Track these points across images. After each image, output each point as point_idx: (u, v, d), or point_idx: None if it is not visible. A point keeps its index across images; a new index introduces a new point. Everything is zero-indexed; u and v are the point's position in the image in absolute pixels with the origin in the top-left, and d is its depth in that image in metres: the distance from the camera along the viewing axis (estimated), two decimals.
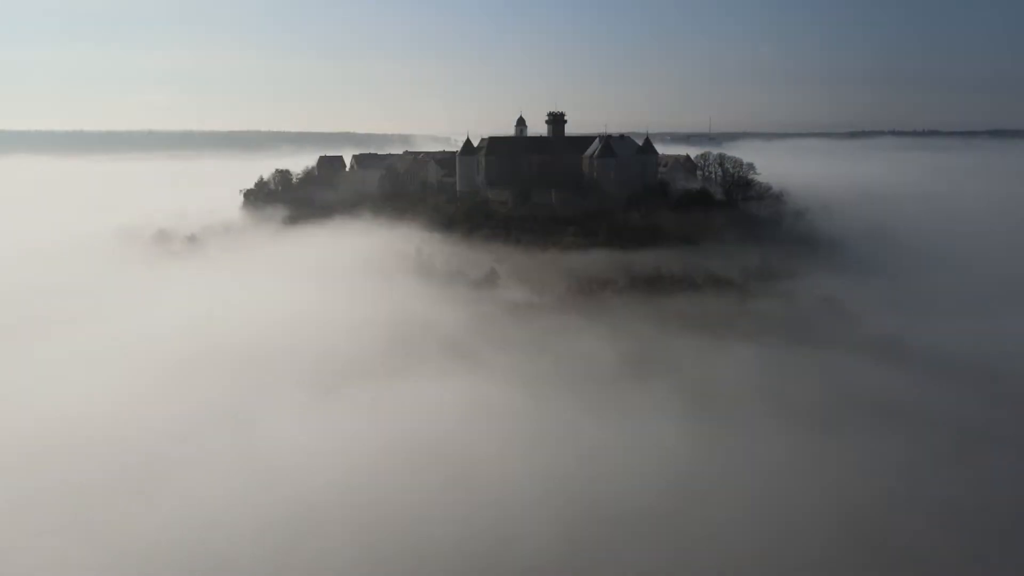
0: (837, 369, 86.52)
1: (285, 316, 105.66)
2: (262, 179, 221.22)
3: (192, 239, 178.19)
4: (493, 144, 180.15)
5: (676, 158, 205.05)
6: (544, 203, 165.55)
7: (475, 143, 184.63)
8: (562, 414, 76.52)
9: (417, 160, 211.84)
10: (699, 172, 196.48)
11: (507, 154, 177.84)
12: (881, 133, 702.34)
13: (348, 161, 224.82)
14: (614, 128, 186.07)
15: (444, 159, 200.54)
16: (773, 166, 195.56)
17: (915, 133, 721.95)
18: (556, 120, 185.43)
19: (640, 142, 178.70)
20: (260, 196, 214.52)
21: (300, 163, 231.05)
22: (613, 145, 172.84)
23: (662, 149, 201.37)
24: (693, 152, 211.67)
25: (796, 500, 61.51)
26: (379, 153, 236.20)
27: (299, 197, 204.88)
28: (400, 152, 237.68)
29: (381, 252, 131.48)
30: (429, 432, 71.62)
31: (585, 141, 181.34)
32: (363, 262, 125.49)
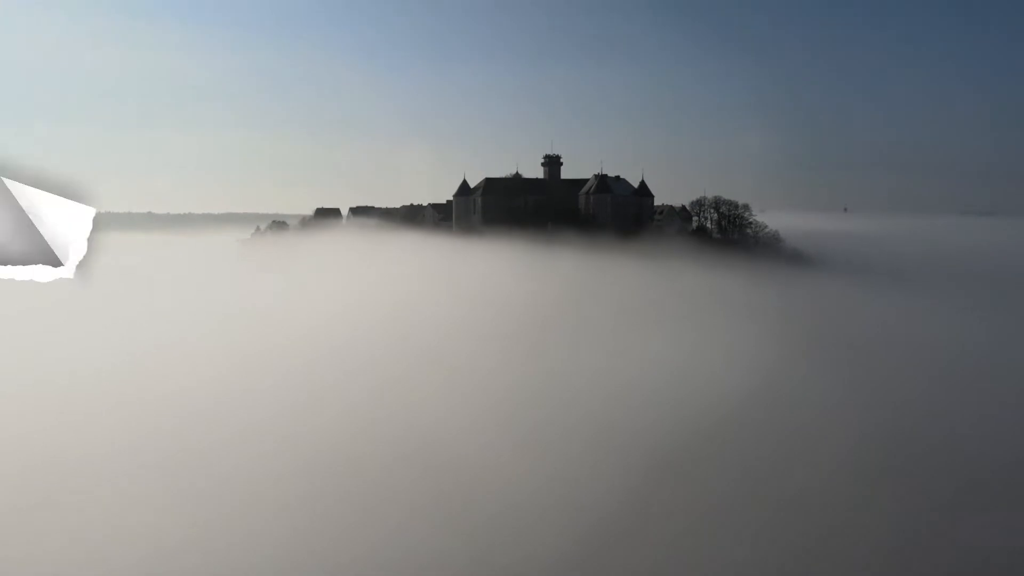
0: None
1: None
2: (258, 228, 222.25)
3: (185, 277, 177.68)
4: (490, 184, 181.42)
5: (671, 206, 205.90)
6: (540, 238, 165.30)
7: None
8: None
9: (413, 207, 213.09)
10: (695, 219, 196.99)
11: (504, 194, 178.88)
12: (874, 209, 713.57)
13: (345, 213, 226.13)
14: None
15: (440, 205, 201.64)
16: (769, 222, 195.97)
17: (909, 210, 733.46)
18: (552, 162, 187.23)
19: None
20: (256, 244, 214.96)
21: None
22: (609, 183, 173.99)
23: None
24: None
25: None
26: (376, 206, 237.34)
27: (294, 244, 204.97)
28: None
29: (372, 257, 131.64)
30: None
31: (581, 183, 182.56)
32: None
